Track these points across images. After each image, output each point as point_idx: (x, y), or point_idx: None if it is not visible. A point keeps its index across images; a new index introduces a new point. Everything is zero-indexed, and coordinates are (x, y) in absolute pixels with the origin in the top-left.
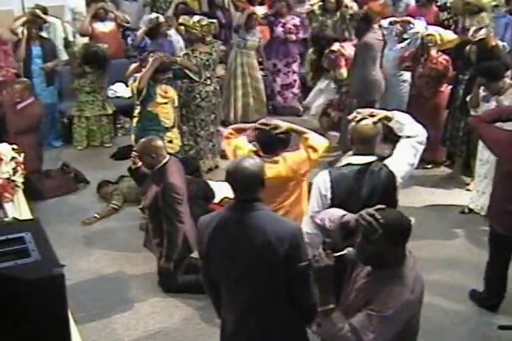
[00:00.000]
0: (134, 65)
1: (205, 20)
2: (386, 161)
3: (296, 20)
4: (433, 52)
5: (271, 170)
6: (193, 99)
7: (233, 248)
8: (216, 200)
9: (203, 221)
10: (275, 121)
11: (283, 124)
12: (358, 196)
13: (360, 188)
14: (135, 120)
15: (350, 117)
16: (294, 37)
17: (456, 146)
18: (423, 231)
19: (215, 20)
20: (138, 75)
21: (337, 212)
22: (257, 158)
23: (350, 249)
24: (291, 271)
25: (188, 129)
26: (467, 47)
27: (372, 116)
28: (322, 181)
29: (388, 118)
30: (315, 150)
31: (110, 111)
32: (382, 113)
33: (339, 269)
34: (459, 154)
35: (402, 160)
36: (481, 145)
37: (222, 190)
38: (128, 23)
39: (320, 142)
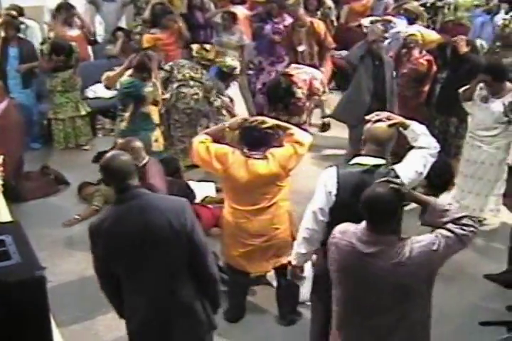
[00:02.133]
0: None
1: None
2: (395, 166)
3: (289, 21)
4: (415, 52)
5: (261, 167)
6: (169, 98)
7: (139, 236)
8: (197, 200)
9: (94, 224)
10: (260, 117)
11: (269, 120)
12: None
13: (365, 188)
14: (123, 123)
15: (367, 117)
16: (277, 38)
17: None
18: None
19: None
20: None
21: None
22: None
23: None
24: (193, 241)
25: (164, 129)
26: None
27: (389, 119)
28: (329, 177)
29: (404, 126)
30: (301, 144)
31: (84, 113)
32: (400, 119)
33: None
34: None
35: (411, 167)
36: (469, 144)
37: (203, 190)
38: (93, 36)
39: (305, 137)
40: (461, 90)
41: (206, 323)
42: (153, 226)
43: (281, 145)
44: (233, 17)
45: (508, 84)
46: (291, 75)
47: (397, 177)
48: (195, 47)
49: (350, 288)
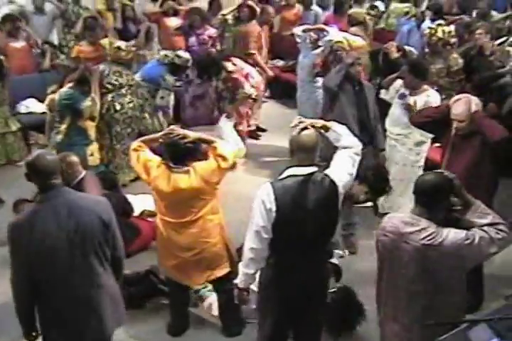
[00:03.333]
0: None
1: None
2: (327, 171)
3: (212, 31)
4: (343, 53)
5: (183, 181)
6: (107, 111)
7: (69, 236)
8: (136, 213)
9: (16, 223)
10: (183, 130)
11: (191, 134)
12: (302, 206)
13: (304, 199)
14: (59, 135)
15: (292, 125)
16: (213, 50)
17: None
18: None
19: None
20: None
21: None
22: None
23: None
24: (114, 233)
25: (105, 142)
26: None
27: (312, 126)
28: (266, 194)
29: (326, 128)
30: (224, 158)
31: (14, 128)
32: (321, 122)
33: None
34: None
35: (342, 170)
36: (387, 144)
37: (141, 203)
38: (38, 47)
39: (229, 150)
40: (383, 81)
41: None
42: (84, 225)
43: (206, 158)
44: (152, 32)
45: (425, 86)
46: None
47: (333, 181)
48: (106, 44)
49: (387, 271)
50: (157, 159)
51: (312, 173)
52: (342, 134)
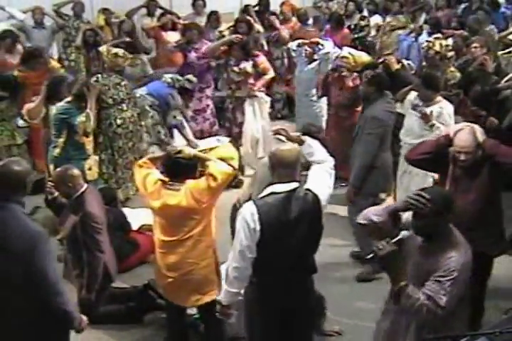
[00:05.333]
0: None
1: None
2: (307, 186)
3: (208, 46)
4: (347, 74)
5: (171, 198)
6: (109, 126)
7: None
8: (135, 227)
9: None
10: (182, 147)
11: (187, 150)
12: (287, 223)
13: (288, 215)
14: (57, 149)
15: (272, 128)
16: (213, 64)
17: None
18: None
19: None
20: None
21: (377, 207)
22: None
23: (404, 232)
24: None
25: (107, 157)
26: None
27: (288, 139)
28: (249, 214)
29: (301, 142)
30: (214, 178)
31: (20, 141)
32: (297, 135)
33: None
34: None
35: (322, 184)
36: (401, 155)
37: (140, 217)
38: None
39: (220, 170)
40: (399, 92)
41: None
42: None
43: (201, 176)
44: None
45: (439, 97)
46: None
47: (316, 196)
48: (104, 50)
49: None
50: (157, 176)
51: (294, 189)
52: (316, 149)
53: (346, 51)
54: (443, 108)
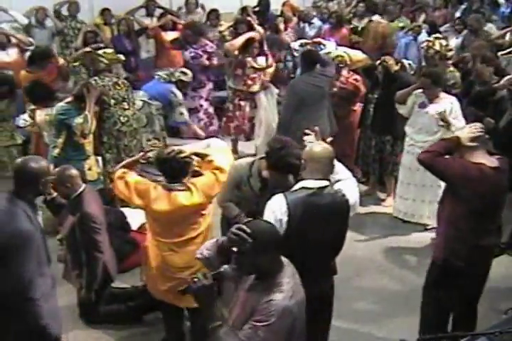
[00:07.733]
0: None
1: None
2: (337, 185)
3: (208, 46)
4: (344, 72)
5: (185, 198)
6: (114, 125)
7: None
8: (135, 227)
9: None
10: (176, 147)
11: (186, 149)
12: (314, 219)
13: (316, 212)
14: (56, 150)
15: (305, 138)
16: (206, 62)
17: (369, 165)
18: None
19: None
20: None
21: (211, 241)
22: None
23: (225, 266)
24: None
25: (112, 156)
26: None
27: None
28: (278, 205)
29: None
30: (222, 171)
31: (20, 141)
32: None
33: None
34: (372, 172)
35: (354, 189)
36: (409, 152)
37: (141, 217)
38: (31, 45)
39: (224, 162)
40: (397, 94)
41: None
42: None
43: (196, 173)
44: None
45: (443, 93)
46: None
47: (344, 196)
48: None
49: None
50: (148, 181)
51: (324, 187)
52: (340, 169)
53: (342, 50)
54: (453, 103)
